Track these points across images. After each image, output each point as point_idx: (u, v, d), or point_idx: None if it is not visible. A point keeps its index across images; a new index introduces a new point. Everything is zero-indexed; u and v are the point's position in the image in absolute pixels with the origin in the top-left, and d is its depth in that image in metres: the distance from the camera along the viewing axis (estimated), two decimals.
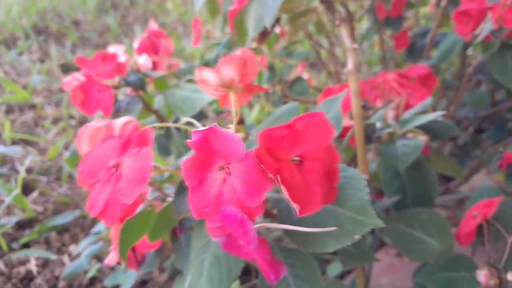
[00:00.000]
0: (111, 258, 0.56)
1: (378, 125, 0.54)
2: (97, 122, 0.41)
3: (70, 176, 1.15)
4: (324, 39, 1.30)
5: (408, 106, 0.59)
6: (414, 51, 0.99)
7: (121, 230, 0.36)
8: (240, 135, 0.35)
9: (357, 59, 0.47)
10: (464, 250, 0.48)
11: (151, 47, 0.72)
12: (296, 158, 0.27)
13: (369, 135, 0.53)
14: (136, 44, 0.73)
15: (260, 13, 0.46)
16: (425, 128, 0.53)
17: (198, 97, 0.58)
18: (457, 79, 0.86)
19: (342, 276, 0.80)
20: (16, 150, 1.19)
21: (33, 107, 1.48)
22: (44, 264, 0.89)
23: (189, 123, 0.39)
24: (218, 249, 0.33)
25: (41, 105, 1.47)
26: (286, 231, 0.32)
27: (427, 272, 0.45)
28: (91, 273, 0.85)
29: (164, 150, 0.74)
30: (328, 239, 0.29)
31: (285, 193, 0.25)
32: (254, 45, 0.54)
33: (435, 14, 1.00)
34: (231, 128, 0.35)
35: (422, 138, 0.50)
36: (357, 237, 0.28)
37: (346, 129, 0.54)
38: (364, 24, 1.45)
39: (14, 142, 1.28)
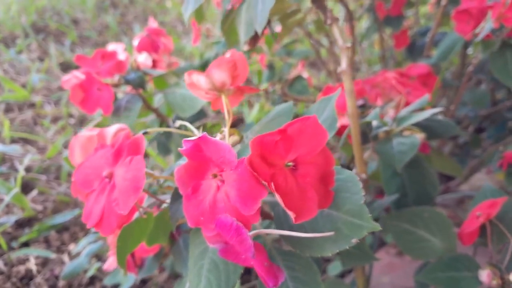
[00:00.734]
0: (110, 263, 0.56)
1: (375, 123, 0.53)
2: (88, 131, 0.40)
3: (70, 175, 1.15)
4: (324, 38, 1.30)
5: (408, 105, 0.59)
6: (414, 50, 0.98)
7: (118, 237, 0.36)
8: (234, 138, 0.35)
9: (351, 58, 0.47)
10: (466, 250, 0.47)
11: (151, 45, 0.72)
12: (290, 163, 0.27)
13: (366, 133, 0.53)
14: (136, 42, 0.72)
15: (251, 17, 0.46)
16: (424, 127, 0.53)
17: None
18: (457, 78, 0.86)
19: (342, 275, 0.80)
20: (15, 149, 1.19)
21: (32, 105, 1.47)
22: (44, 263, 0.89)
23: (184, 126, 0.38)
24: (216, 256, 0.33)
25: (40, 103, 1.47)
26: (283, 236, 0.31)
27: (429, 271, 0.45)
28: (90, 272, 0.84)
29: (164, 148, 0.74)
30: (326, 243, 0.29)
31: (279, 201, 0.25)
32: (246, 48, 0.54)
33: (435, 13, 1.00)
34: (225, 131, 0.34)
35: (419, 136, 0.49)
36: (354, 241, 0.28)
37: (343, 127, 0.54)
38: (364, 23, 1.44)
39: (14, 141, 1.28)
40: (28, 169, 1.14)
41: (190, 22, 0.90)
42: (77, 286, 0.84)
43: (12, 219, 0.97)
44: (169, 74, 0.70)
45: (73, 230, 0.98)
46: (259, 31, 0.41)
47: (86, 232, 0.97)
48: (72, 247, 0.93)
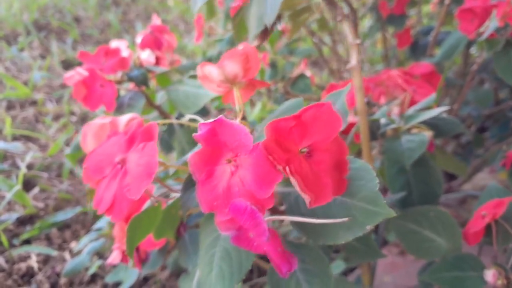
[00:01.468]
0: (114, 257, 0.55)
1: (383, 121, 0.53)
2: (101, 119, 0.41)
3: (71, 172, 1.15)
4: (327, 36, 1.30)
5: (413, 103, 0.59)
6: (417, 49, 0.98)
7: (128, 227, 0.36)
8: None
9: (360, 55, 0.47)
10: (470, 250, 0.47)
11: (154, 42, 0.71)
12: (304, 150, 0.27)
13: (374, 131, 0.53)
14: (139, 39, 0.72)
15: (261, 11, 0.46)
16: (430, 125, 0.53)
17: (202, 92, 0.58)
18: (461, 77, 0.85)
19: (345, 274, 0.80)
20: (17, 146, 1.19)
21: (34, 103, 1.47)
22: (45, 260, 0.89)
23: (193, 120, 0.39)
24: (228, 244, 0.33)
25: (42, 101, 1.47)
26: (296, 224, 0.31)
27: (434, 270, 0.45)
28: (92, 270, 0.84)
29: (166, 146, 0.74)
30: (340, 231, 0.29)
31: (295, 184, 0.25)
32: (256, 43, 0.53)
33: (439, 12, 1.00)
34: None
35: (427, 134, 0.49)
36: (369, 227, 0.27)
37: (350, 125, 0.54)
38: (366, 22, 1.44)
39: (15, 138, 1.28)
40: (29, 167, 1.14)
41: (195, 18, 0.90)
42: (78, 284, 0.84)
43: (13, 216, 0.97)
44: (172, 71, 0.70)
45: (75, 228, 0.98)
46: (269, 24, 0.41)
47: (87, 229, 0.97)
48: (74, 245, 0.93)
